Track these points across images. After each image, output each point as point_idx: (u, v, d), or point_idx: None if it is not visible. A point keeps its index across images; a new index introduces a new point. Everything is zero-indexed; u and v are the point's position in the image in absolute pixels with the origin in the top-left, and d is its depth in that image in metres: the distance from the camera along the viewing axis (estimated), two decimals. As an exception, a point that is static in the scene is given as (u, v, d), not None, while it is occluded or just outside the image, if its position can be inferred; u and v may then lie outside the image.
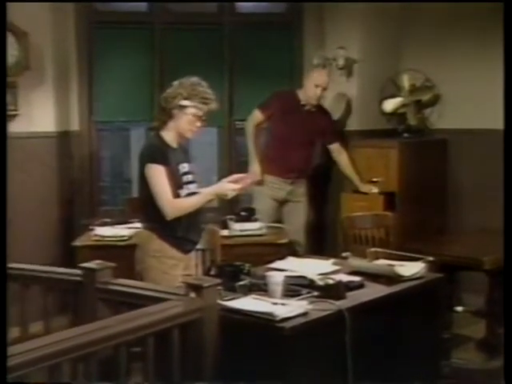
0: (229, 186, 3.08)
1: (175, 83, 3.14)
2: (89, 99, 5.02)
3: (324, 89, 4.64)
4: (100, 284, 2.56)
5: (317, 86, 4.62)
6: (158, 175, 3.00)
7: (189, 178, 3.13)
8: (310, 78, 4.66)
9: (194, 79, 3.13)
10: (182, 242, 3.10)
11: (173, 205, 3.01)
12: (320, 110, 4.75)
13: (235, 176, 3.15)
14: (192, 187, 3.13)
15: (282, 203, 4.68)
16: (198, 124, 3.10)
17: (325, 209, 5.11)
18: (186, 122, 3.07)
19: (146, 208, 3.09)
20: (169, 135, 3.11)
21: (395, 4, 5.06)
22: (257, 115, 4.68)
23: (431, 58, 5.04)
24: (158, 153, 3.04)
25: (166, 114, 3.09)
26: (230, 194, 3.08)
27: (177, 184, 3.05)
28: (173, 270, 3.04)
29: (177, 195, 3.04)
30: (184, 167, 3.13)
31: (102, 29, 5.02)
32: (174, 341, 2.28)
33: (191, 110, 3.06)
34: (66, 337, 2.00)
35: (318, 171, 4.98)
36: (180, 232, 3.07)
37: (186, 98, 3.05)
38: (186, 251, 3.13)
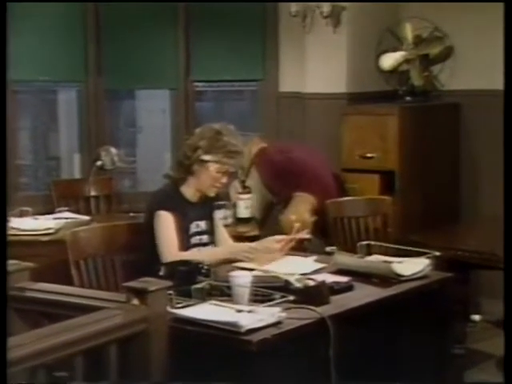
0: (245, 247, 3.19)
1: (196, 132, 3.29)
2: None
3: None
4: (15, 290, 2.54)
5: None
6: (166, 223, 3.18)
7: (202, 239, 3.30)
8: None
9: (218, 127, 3.25)
10: None
11: (176, 258, 3.09)
12: None
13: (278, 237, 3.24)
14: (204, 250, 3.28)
15: None
16: (223, 180, 3.25)
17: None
18: (208, 178, 3.23)
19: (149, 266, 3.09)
20: (189, 191, 3.27)
21: None
22: None
23: (440, 2, 5.07)
24: (169, 200, 3.25)
25: (184, 170, 3.25)
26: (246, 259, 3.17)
27: (183, 245, 3.21)
28: None
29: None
30: (198, 226, 3.28)
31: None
32: (111, 360, 2.27)
33: (214, 166, 3.20)
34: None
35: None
36: None
37: (207, 152, 3.20)
38: None
